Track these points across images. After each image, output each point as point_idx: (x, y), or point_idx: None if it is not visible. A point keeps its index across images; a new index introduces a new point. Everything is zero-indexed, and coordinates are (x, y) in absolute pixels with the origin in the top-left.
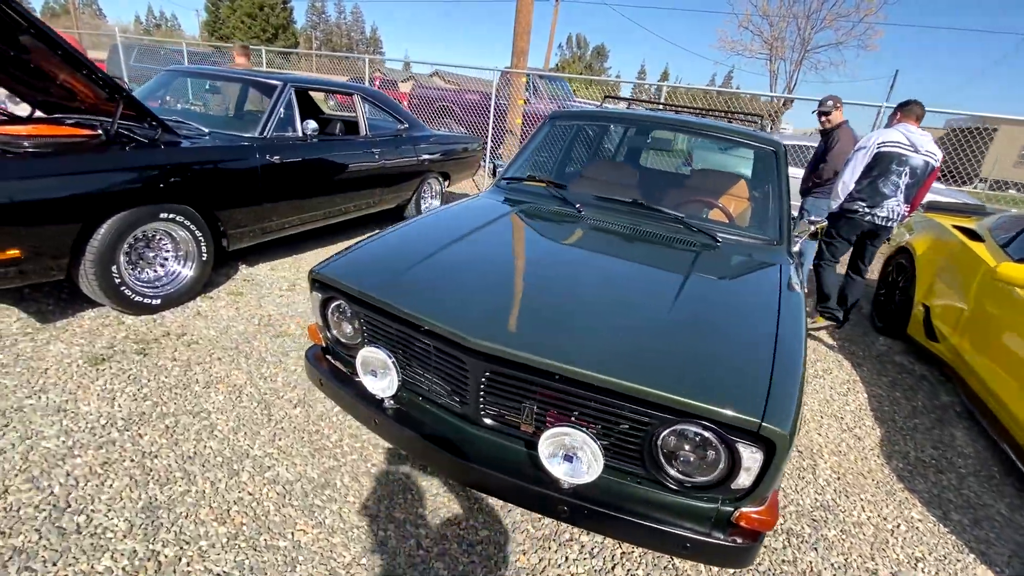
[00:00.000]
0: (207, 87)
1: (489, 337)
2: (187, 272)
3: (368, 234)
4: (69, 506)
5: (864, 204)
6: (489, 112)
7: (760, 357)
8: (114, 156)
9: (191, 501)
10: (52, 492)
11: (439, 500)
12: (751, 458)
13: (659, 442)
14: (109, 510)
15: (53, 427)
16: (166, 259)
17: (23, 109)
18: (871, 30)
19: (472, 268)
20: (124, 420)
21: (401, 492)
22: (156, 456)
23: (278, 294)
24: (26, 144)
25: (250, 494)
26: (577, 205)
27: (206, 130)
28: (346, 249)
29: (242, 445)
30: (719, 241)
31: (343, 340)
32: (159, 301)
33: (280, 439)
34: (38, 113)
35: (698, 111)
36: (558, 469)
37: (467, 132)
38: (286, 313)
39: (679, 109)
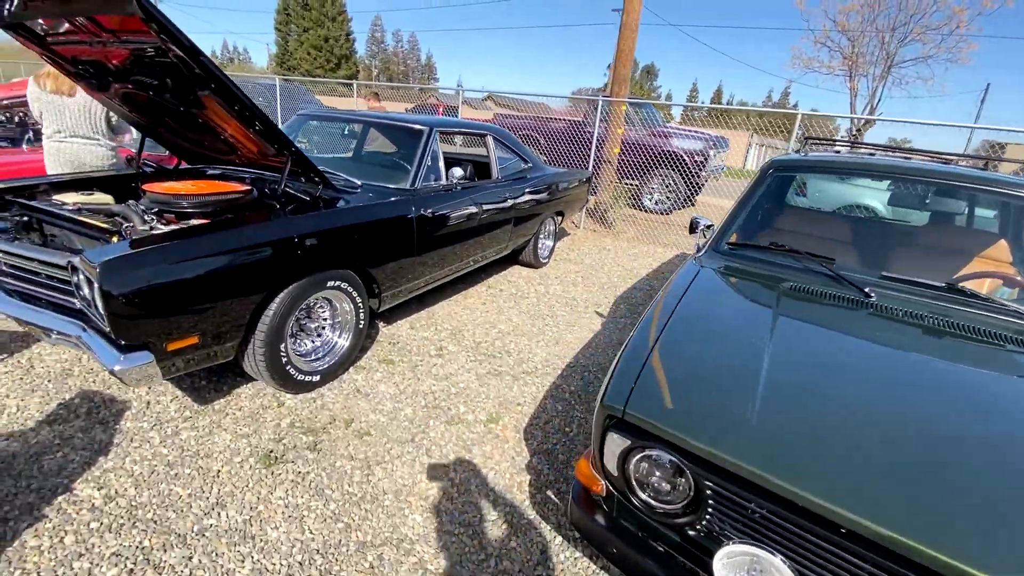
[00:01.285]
0: (345, 131)
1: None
2: (343, 342)
3: (623, 344)
4: None
5: None
6: (590, 142)
7: None
8: (292, 221)
9: None
10: None
11: None
12: None
13: None
14: None
15: (245, 565)
16: (322, 328)
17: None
18: (963, 42)
19: (824, 410)
20: (321, 553)
21: None
22: None
23: (430, 361)
24: (185, 204)
25: None
26: (866, 289)
27: (358, 182)
28: (622, 363)
29: None
30: None
31: (661, 507)
32: (318, 378)
33: None
34: (179, 164)
35: (940, 157)
36: None
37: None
38: (448, 390)
39: (914, 155)
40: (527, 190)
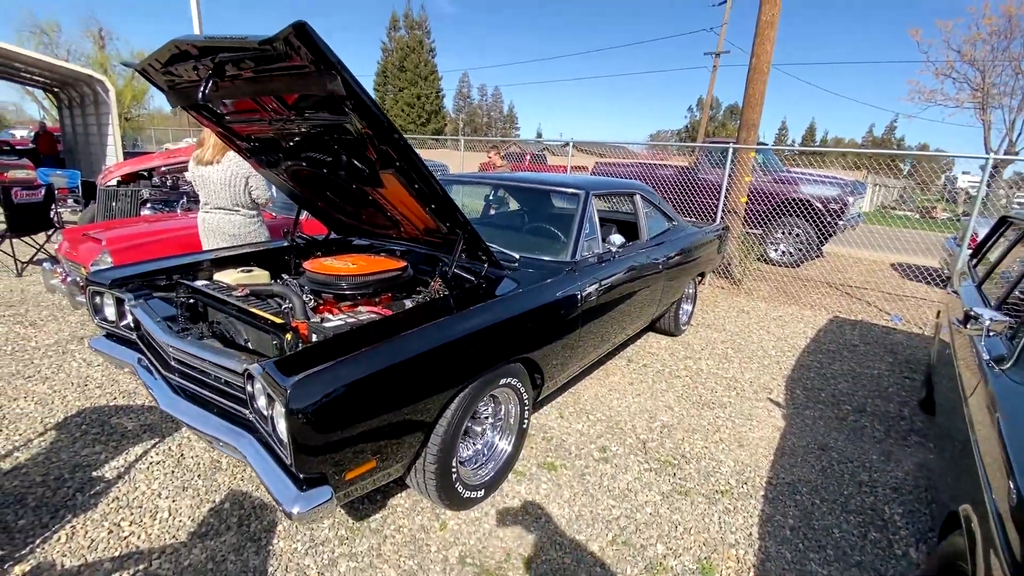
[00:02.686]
0: (490, 196)
1: None
2: (505, 445)
3: None
4: None
5: None
6: (700, 189)
7: None
8: (479, 311)
9: None
10: None
11: None
12: None
13: None
14: None
15: None
16: (484, 430)
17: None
18: None
19: None
20: None
21: None
22: None
23: (597, 469)
24: (344, 286)
25: None
26: None
27: (516, 255)
28: None
29: None
30: None
31: None
32: (482, 492)
33: None
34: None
35: None
36: None
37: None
38: (633, 516)
39: None
40: (675, 251)
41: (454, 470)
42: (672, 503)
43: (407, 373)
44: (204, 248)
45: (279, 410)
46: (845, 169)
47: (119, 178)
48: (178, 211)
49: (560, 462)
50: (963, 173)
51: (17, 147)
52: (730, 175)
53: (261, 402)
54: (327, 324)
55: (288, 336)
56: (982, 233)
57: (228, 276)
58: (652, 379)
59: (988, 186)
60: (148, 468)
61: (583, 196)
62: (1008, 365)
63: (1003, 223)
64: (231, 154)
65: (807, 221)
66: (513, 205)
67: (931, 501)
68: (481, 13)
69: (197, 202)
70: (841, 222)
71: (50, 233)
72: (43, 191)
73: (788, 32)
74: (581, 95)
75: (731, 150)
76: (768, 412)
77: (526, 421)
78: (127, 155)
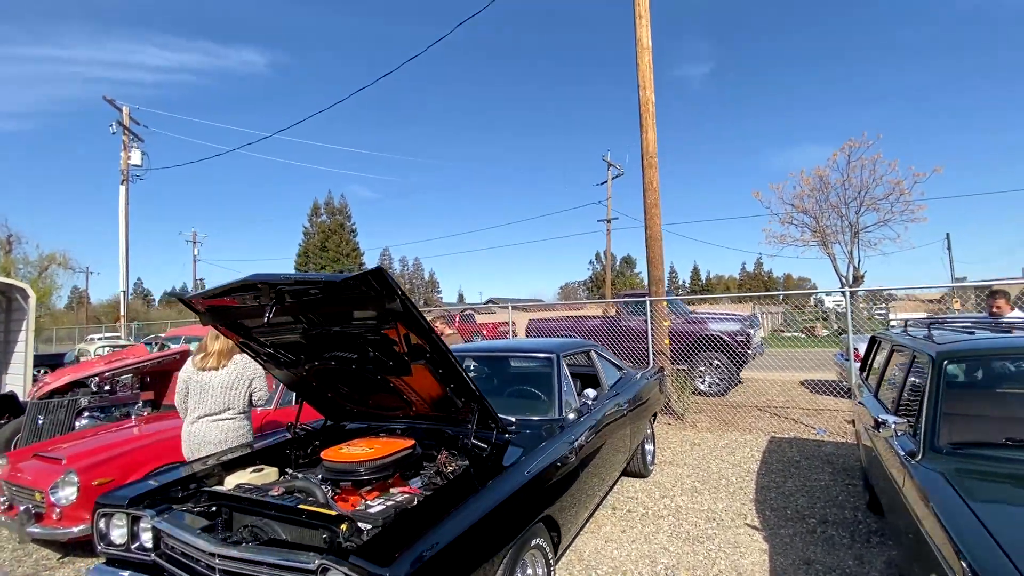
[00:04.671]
0: (469, 366)
1: None
2: None
3: None
4: None
5: None
6: (627, 334)
7: None
8: (509, 477)
9: None
10: None
11: None
12: None
13: None
14: None
15: None
16: None
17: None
18: (912, 205)
19: None
20: None
21: None
22: None
23: None
24: (363, 471)
25: None
26: None
27: (512, 419)
28: None
29: None
30: None
31: None
32: None
33: None
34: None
35: None
36: None
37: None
38: None
39: None
40: (632, 395)
41: None
42: None
43: (470, 541)
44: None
45: None
46: (733, 303)
47: (54, 388)
48: (133, 418)
49: None
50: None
51: None
52: (652, 322)
53: None
54: (372, 510)
55: (343, 527)
56: (862, 348)
57: (242, 477)
58: (640, 523)
59: (850, 307)
60: None
61: (555, 359)
62: (920, 457)
63: (874, 342)
64: (237, 358)
65: (723, 353)
66: (488, 371)
67: None
68: (395, 198)
69: (131, 405)
70: (749, 351)
71: None
72: None
73: (669, 198)
74: (495, 257)
75: (648, 302)
76: (750, 537)
77: None
78: (45, 363)
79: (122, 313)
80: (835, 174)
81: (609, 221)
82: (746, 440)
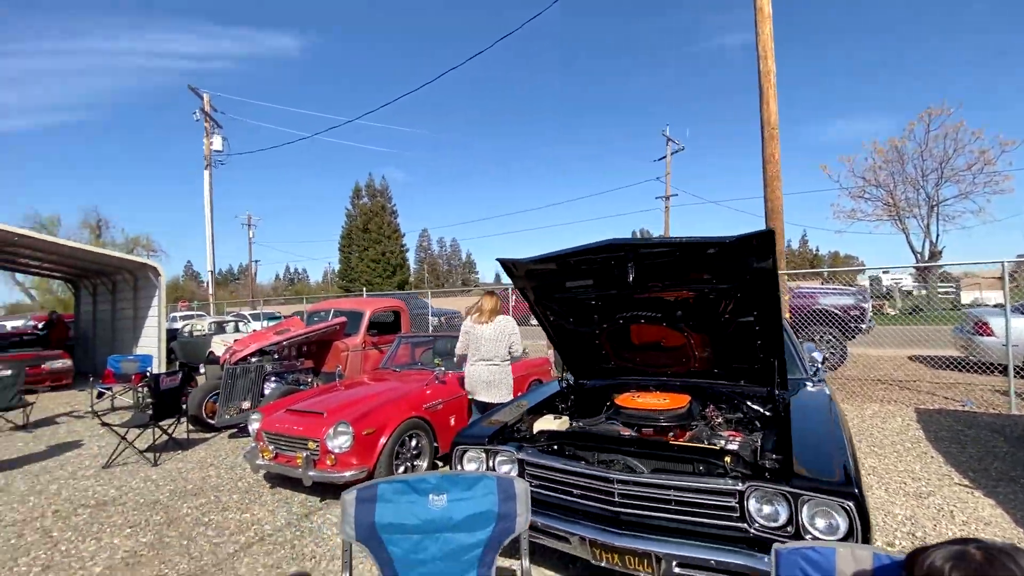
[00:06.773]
0: None
1: None
2: None
3: None
4: None
5: None
6: None
7: None
8: (817, 413)
9: None
10: None
11: None
12: None
13: None
14: None
15: None
16: None
17: None
18: (998, 175)
19: None
20: None
21: None
22: None
23: None
24: (661, 419)
25: None
26: None
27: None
28: None
29: None
30: None
31: None
32: None
33: None
34: None
35: None
36: None
37: None
38: None
39: None
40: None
41: None
42: None
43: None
44: (469, 394)
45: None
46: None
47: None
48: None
49: None
50: (883, 272)
51: (25, 336)
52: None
53: (770, 512)
54: (730, 447)
55: (727, 459)
56: (993, 322)
57: (547, 422)
58: None
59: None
60: None
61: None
62: None
63: None
64: (500, 317)
65: (836, 328)
66: None
67: None
68: (429, 183)
69: (307, 373)
70: (863, 325)
71: (177, 418)
72: (180, 376)
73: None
74: (540, 238)
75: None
76: (971, 494)
77: None
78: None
79: (210, 292)
80: (912, 145)
81: (668, 198)
82: (889, 411)
